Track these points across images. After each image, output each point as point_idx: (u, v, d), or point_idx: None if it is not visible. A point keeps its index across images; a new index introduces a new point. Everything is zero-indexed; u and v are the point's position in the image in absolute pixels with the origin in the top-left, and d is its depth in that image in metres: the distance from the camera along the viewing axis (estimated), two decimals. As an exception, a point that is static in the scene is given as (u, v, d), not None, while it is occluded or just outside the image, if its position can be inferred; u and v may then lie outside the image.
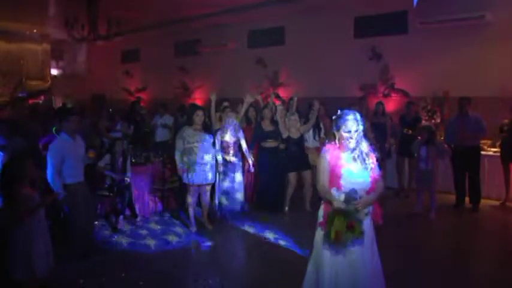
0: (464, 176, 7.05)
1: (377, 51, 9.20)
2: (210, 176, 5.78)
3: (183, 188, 6.20)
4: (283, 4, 8.98)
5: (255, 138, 6.68)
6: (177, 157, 5.72)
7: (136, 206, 6.29)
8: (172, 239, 5.54)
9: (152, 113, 10.24)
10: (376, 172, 3.06)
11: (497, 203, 7.11)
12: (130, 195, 6.10)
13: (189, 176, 5.67)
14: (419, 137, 6.68)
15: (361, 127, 3.03)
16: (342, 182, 2.99)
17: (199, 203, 6.04)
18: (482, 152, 7.24)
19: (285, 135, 6.58)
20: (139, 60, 15.01)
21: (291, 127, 6.58)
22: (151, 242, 5.40)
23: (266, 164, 6.62)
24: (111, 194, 5.98)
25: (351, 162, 3.03)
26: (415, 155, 6.64)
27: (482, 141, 7.32)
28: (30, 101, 13.29)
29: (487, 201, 7.06)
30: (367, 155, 3.04)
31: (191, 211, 5.85)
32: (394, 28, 8.98)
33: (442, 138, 7.37)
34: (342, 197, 2.94)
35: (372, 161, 3.04)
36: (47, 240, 3.70)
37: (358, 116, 3.07)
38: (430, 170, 6.36)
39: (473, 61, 7.93)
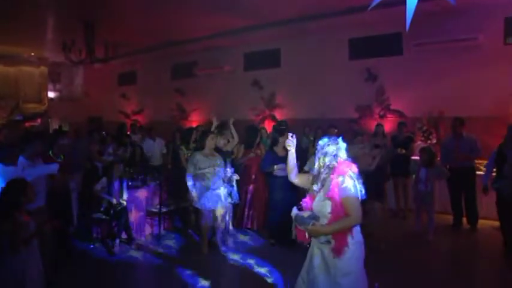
0: (461, 196, 7.05)
1: (372, 72, 9.31)
2: (221, 199, 5.76)
3: (195, 210, 6.22)
4: (278, 26, 9.10)
5: (267, 164, 6.02)
6: (190, 184, 5.64)
7: (133, 229, 6.23)
8: (170, 262, 5.46)
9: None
10: (343, 205, 2.87)
11: (495, 223, 7.09)
12: (126, 218, 6.07)
13: (202, 200, 5.64)
14: (413, 157, 6.66)
15: (326, 157, 2.97)
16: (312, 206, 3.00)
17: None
18: (478, 172, 7.26)
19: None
20: (135, 82, 15.11)
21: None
22: (150, 266, 5.34)
23: (279, 196, 5.93)
24: (107, 218, 5.94)
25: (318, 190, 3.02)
26: (414, 176, 6.62)
27: (478, 161, 7.35)
28: (27, 124, 13.28)
29: (484, 221, 7.03)
30: (331, 185, 2.91)
31: (204, 234, 5.84)
32: (389, 50, 9.12)
33: (438, 159, 7.38)
34: (294, 215, 2.95)
35: (334, 192, 2.88)
36: (39, 268, 3.65)
37: (325, 142, 3.03)
38: (430, 191, 6.32)
39: (468, 81, 8.04)
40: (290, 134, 3.23)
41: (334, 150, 2.97)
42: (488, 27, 7.89)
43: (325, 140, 3.04)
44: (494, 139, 7.22)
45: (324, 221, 2.91)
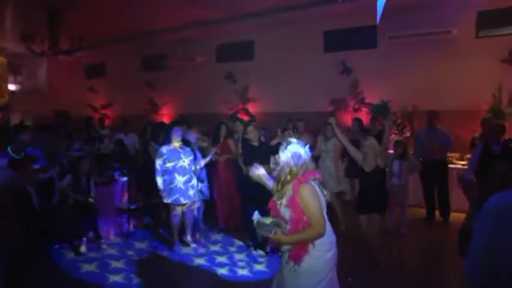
0: (433, 189, 7.10)
1: (347, 65, 9.27)
2: (192, 193, 5.61)
3: (165, 207, 6.03)
4: (252, 18, 8.95)
5: (249, 159, 5.46)
6: (158, 178, 5.50)
7: (100, 228, 6.02)
8: (139, 261, 5.30)
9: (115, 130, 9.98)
10: (303, 214, 2.70)
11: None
12: (94, 216, 5.86)
13: (170, 195, 5.50)
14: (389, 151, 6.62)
15: (293, 163, 2.78)
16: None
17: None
18: (451, 165, 7.34)
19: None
20: (104, 75, 14.66)
21: (368, 155, 4.94)
22: (117, 265, 5.14)
23: (253, 194, 4.98)
24: (73, 216, 5.68)
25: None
26: (386, 169, 6.58)
27: (451, 155, 7.44)
28: (-14, 118, 12.62)
29: (456, 214, 7.09)
30: (292, 193, 2.74)
31: (175, 231, 5.71)
32: (363, 42, 9.07)
33: (412, 152, 7.41)
34: (255, 222, 2.76)
35: (295, 200, 2.71)
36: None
37: (285, 146, 2.85)
38: (403, 184, 6.34)
39: (441, 75, 8.09)
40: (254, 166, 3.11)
41: (302, 159, 2.79)
42: (461, 21, 7.94)
43: (295, 146, 2.83)
44: (467, 133, 7.34)
45: (287, 227, 2.75)
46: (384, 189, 5.13)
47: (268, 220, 2.74)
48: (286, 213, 2.76)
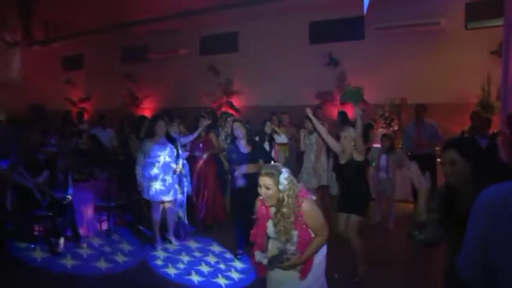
0: (421, 184, 7.01)
1: (333, 57, 9.15)
2: (171, 191, 5.45)
3: (147, 203, 5.88)
4: (236, 8, 8.76)
5: (234, 161, 5.18)
6: (138, 172, 5.36)
7: (79, 226, 5.76)
8: (121, 259, 5.13)
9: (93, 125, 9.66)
10: (309, 228, 2.77)
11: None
12: (72, 214, 5.60)
13: (150, 191, 5.35)
14: (374, 145, 6.53)
15: (291, 191, 2.72)
16: (266, 236, 2.86)
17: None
18: (439, 159, 7.26)
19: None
20: (82, 67, 14.25)
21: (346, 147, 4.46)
22: (97, 265, 4.92)
23: (243, 196, 4.75)
24: (50, 214, 5.45)
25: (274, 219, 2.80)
26: (373, 164, 6.47)
27: (439, 149, 7.36)
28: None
29: (445, 209, 7.05)
30: (296, 214, 2.74)
31: (156, 227, 5.56)
32: (350, 34, 8.98)
33: (400, 146, 7.32)
34: (265, 261, 2.80)
35: (302, 220, 2.74)
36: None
37: (277, 177, 2.73)
38: (390, 179, 6.25)
39: (430, 67, 8.03)
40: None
41: (293, 182, 2.80)
42: (450, 12, 7.90)
43: (285, 172, 2.77)
44: (456, 126, 7.28)
45: (290, 247, 2.79)
46: (364, 188, 4.62)
47: (273, 252, 2.82)
48: (293, 236, 2.78)
